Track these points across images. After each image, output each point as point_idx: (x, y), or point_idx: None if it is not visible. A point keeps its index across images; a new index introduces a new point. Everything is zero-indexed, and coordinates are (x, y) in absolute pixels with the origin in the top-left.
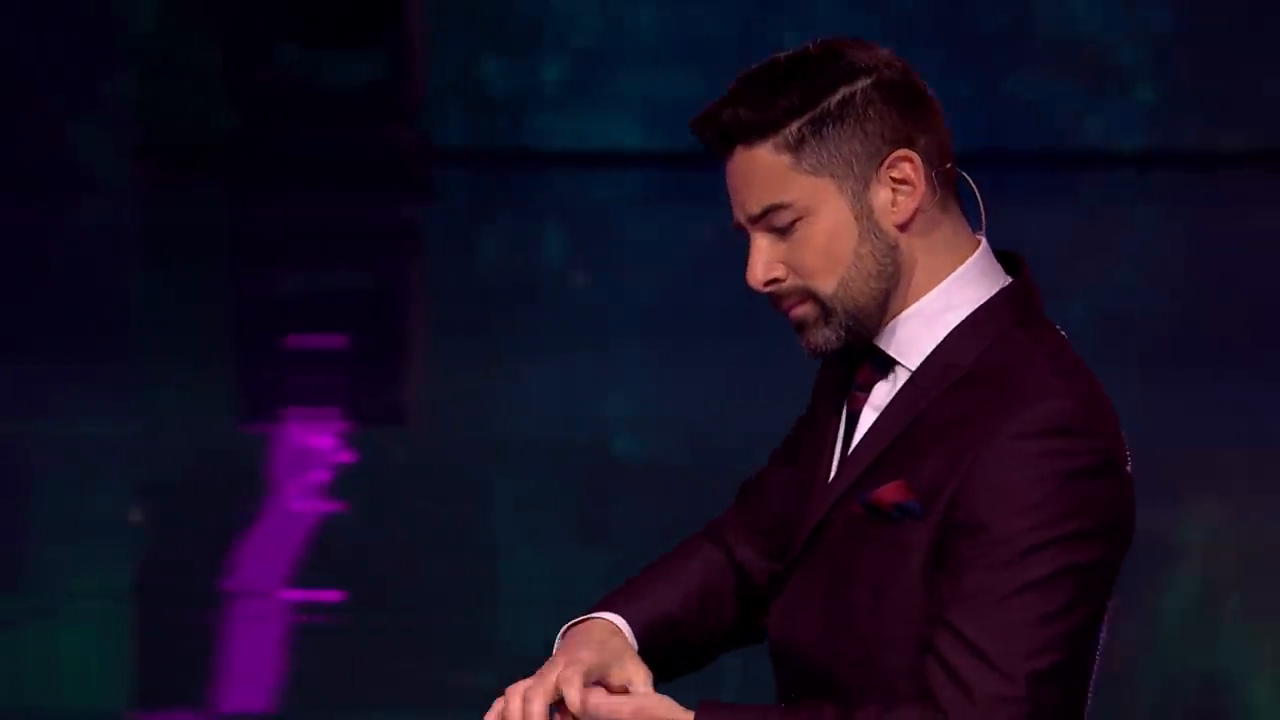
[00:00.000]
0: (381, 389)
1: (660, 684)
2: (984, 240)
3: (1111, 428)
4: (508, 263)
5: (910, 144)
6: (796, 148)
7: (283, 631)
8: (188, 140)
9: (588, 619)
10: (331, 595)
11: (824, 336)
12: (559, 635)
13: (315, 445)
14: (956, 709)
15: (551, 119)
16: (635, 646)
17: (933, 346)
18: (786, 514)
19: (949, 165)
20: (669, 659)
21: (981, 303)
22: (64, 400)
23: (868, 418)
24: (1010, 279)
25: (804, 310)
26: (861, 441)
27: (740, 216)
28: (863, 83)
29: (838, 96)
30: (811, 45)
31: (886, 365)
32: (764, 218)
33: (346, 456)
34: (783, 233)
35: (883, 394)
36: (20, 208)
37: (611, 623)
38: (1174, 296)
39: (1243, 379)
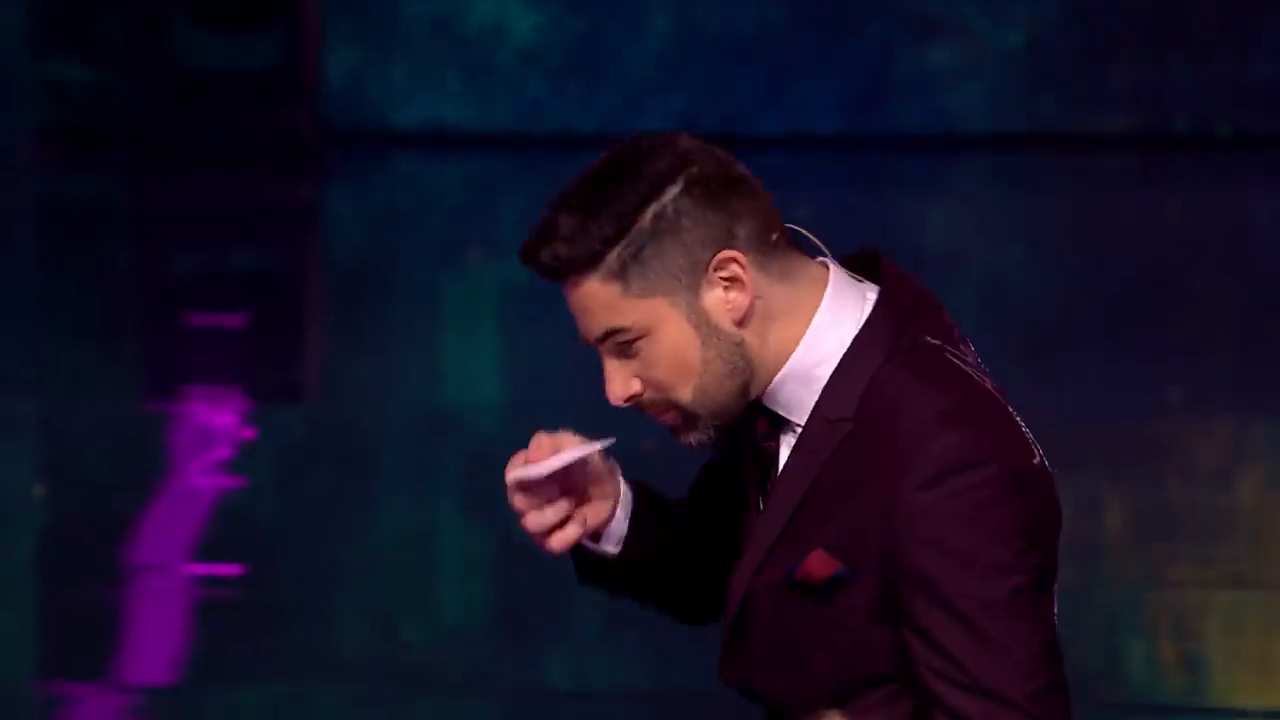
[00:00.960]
0: (280, 366)
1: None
2: (832, 267)
3: (1000, 437)
4: (400, 242)
5: (731, 240)
6: (621, 275)
7: (184, 605)
8: (87, 120)
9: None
10: (232, 569)
11: (695, 438)
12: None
13: (215, 422)
14: None
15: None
16: (628, 494)
17: (812, 403)
18: (722, 553)
19: (774, 235)
20: (646, 534)
21: (847, 345)
22: None
23: (775, 480)
24: (871, 295)
25: (669, 418)
26: (765, 510)
27: (586, 338)
28: (671, 192)
29: (649, 214)
30: (618, 153)
31: (780, 422)
32: (606, 340)
33: (246, 433)
34: (628, 353)
35: (783, 457)
36: None
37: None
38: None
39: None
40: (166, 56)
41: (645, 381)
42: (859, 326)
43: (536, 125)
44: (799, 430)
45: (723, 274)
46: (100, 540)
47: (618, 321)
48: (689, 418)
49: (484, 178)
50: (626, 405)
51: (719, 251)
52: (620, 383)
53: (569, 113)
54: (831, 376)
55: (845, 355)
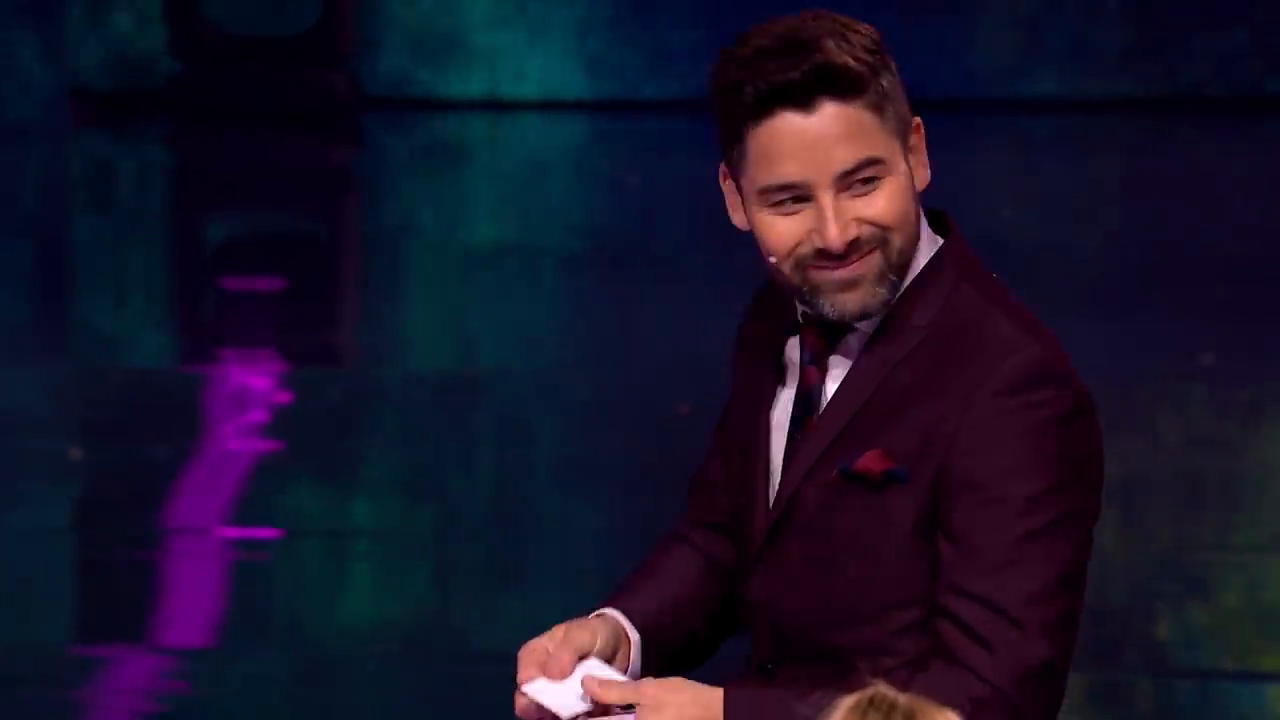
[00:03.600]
0: (316, 329)
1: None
2: None
3: (1070, 364)
4: (436, 206)
5: (913, 111)
6: (880, 107)
7: (220, 568)
8: (124, 84)
9: (598, 613)
10: (267, 532)
11: (878, 295)
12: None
13: (251, 385)
14: (980, 663)
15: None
16: (637, 638)
17: (886, 311)
18: (736, 499)
19: None
20: (672, 651)
21: (927, 262)
22: (4, 340)
23: (829, 389)
24: (937, 239)
25: (869, 264)
26: (825, 412)
27: (814, 175)
28: (884, 51)
29: (885, 61)
30: (816, 12)
31: (835, 335)
32: (854, 173)
33: (282, 396)
34: (859, 192)
35: (840, 366)
36: None
37: (615, 618)
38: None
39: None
40: (204, 21)
41: (868, 221)
42: (934, 249)
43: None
44: (854, 339)
45: (912, 141)
46: (136, 503)
47: (878, 152)
48: (886, 270)
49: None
50: (842, 249)
51: (914, 116)
52: (846, 222)
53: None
54: (910, 286)
55: (922, 272)
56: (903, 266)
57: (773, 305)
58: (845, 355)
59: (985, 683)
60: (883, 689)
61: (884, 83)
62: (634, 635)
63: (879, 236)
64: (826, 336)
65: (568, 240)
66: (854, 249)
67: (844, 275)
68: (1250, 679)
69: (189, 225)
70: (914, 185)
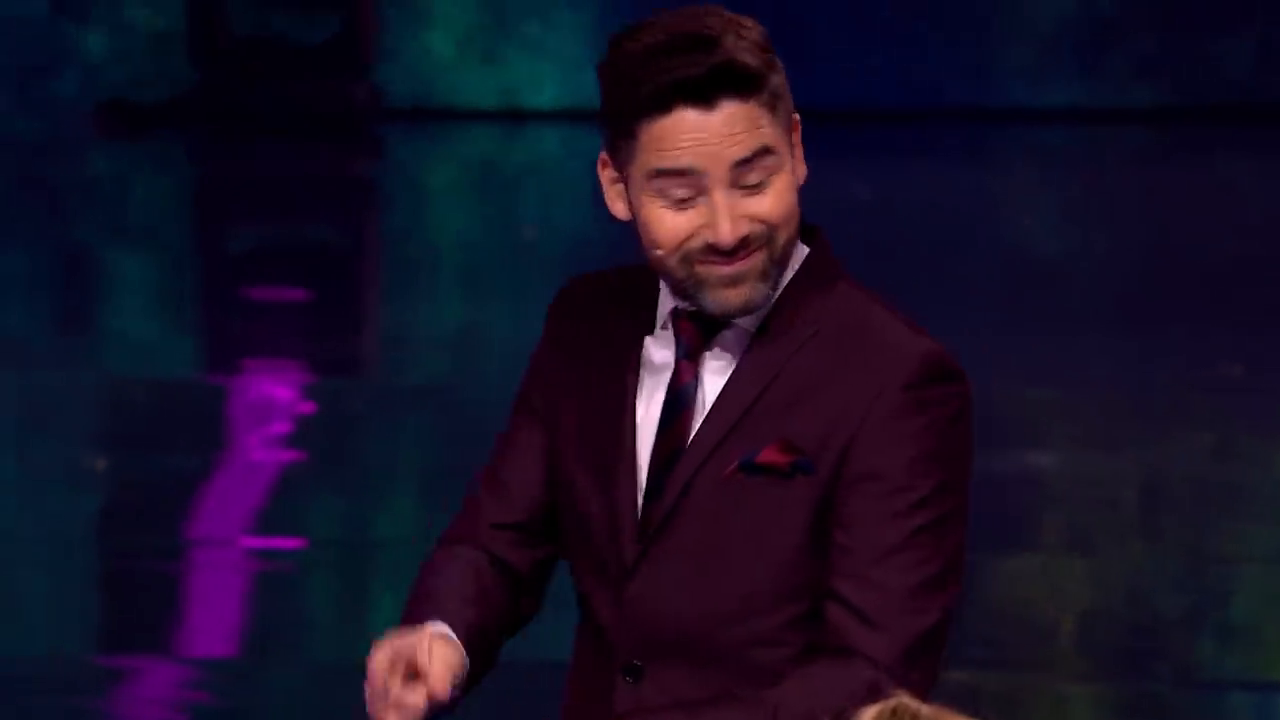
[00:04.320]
0: (339, 339)
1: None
2: None
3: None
4: (457, 215)
5: (795, 108)
6: (773, 104)
7: (243, 578)
8: (147, 94)
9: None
10: (291, 542)
11: (762, 291)
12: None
13: (274, 395)
14: (867, 643)
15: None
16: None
17: (767, 308)
18: (542, 509)
19: None
20: (481, 662)
21: (800, 263)
22: (27, 349)
23: (711, 382)
24: (805, 245)
25: (754, 260)
26: (716, 406)
27: (709, 165)
28: (773, 48)
29: (775, 59)
30: (695, 8)
31: (712, 332)
32: (749, 162)
33: (305, 406)
34: (750, 190)
35: (723, 360)
36: None
37: (448, 633)
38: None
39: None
40: (226, 32)
41: (758, 219)
42: (804, 254)
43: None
44: (742, 335)
45: (794, 138)
46: (160, 513)
47: (771, 141)
48: (769, 265)
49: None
50: (733, 244)
51: (795, 113)
52: (738, 217)
53: None
54: (792, 280)
55: (801, 268)
56: (783, 263)
57: (613, 304)
58: (722, 351)
59: (873, 663)
60: (905, 700)
61: (776, 80)
62: (464, 656)
63: (766, 234)
64: (704, 330)
65: (590, 250)
66: (743, 245)
67: (730, 271)
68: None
69: (212, 236)
70: (796, 183)
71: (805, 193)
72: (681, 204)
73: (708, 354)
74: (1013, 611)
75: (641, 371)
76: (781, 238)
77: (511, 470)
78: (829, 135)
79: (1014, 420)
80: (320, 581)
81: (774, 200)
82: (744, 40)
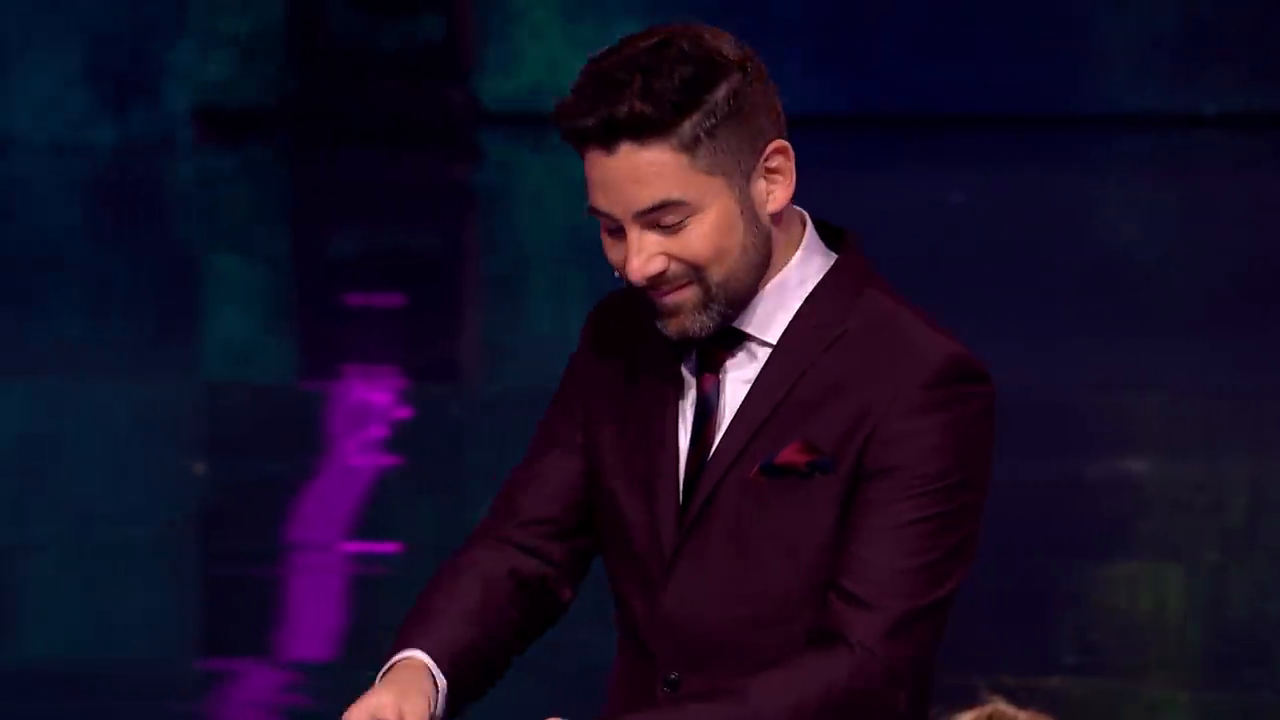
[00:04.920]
0: (436, 345)
1: (472, 703)
2: (801, 209)
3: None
4: (555, 221)
5: (779, 132)
6: (691, 148)
7: (341, 582)
8: (247, 100)
9: (406, 659)
10: (388, 547)
11: (700, 323)
12: (380, 673)
13: (372, 401)
14: (851, 620)
15: None
16: (443, 682)
17: (789, 318)
18: (579, 504)
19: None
20: (476, 681)
21: (827, 270)
22: (127, 355)
23: (734, 391)
24: (833, 253)
25: (684, 295)
26: (739, 414)
27: (617, 211)
28: (737, 76)
29: (721, 93)
30: (668, 33)
31: (735, 342)
32: (653, 212)
33: (402, 412)
34: (668, 228)
35: (747, 371)
36: (89, 167)
37: (424, 664)
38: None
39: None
40: (325, 39)
41: (675, 259)
42: (832, 261)
43: None
44: (759, 346)
45: (770, 164)
46: (259, 518)
47: (677, 194)
48: (706, 300)
49: None
50: (642, 284)
51: (771, 141)
52: (647, 258)
53: None
54: (815, 290)
55: (826, 276)
56: (735, 291)
57: (651, 317)
58: (745, 359)
59: (856, 643)
60: (1001, 706)
61: (699, 122)
62: (441, 680)
63: (688, 272)
64: (722, 343)
65: None
66: (662, 281)
67: (662, 303)
68: None
69: (310, 241)
70: (753, 213)
71: (894, 198)
72: (615, 233)
73: (730, 363)
74: (1109, 618)
75: (679, 383)
76: (714, 274)
77: (548, 465)
78: (926, 141)
79: (1109, 425)
80: (417, 585)
81: (693, 241)
82: (659, 81)
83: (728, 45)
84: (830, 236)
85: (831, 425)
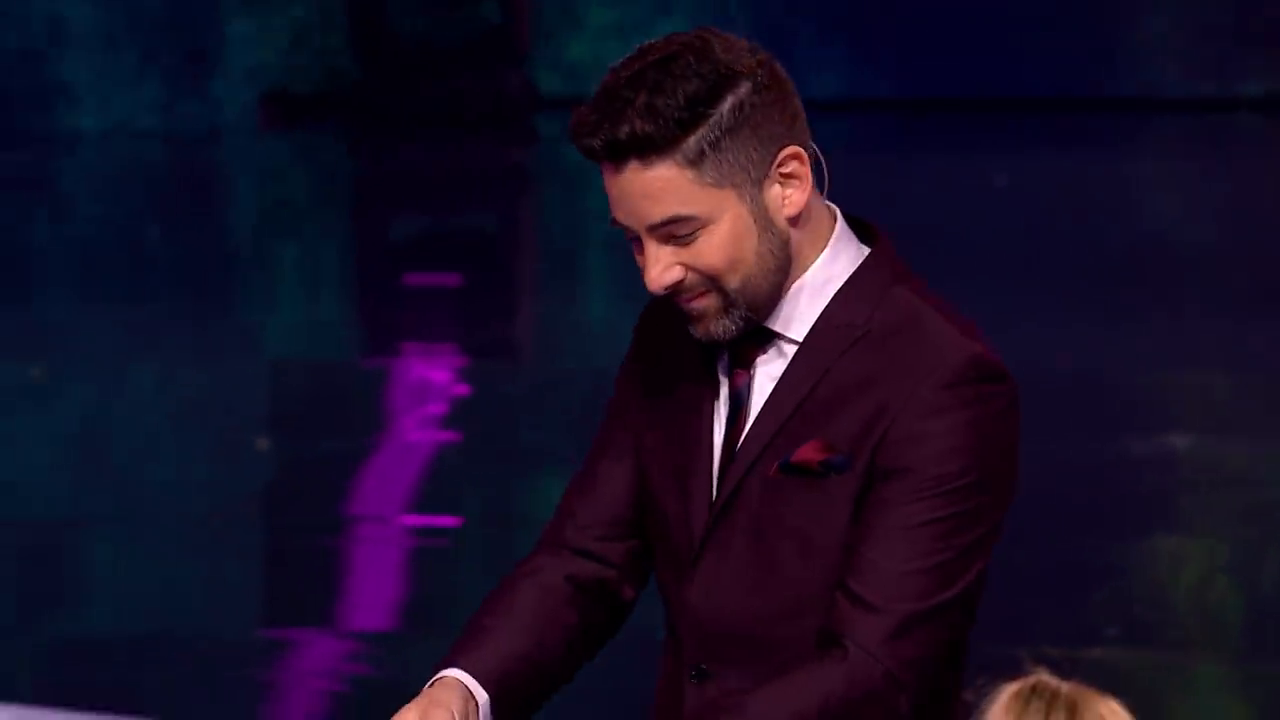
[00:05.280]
0: (493, 324)
1: (532, 712)
2: (833, 205)
3: (1008, 369)
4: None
5: (793, 138)
6: (697, 162)
7: (401, 554)
8: (312, 89)
9: (442, 677)
10: (447, 520)
11: (723, 326)
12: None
13: (431, 379)
14: (854, 622)
15: None
16: (484, 697)
17: (815, 316)
18: (631, 503)
19: (810, 141)
20: (531, 691)
21: (855, 268)
22: (193, 335)
23: (763, 387)
24: (863, 247)
25: (705, 303)
26: (764, 410)
27: (632, 224)
28: (745, 86)
29: (727, 105)
30: (679, 44)
31: (766, 339)
32: (664, 227)
33: (460, 389)
34: (682, 239)
35: (775, 367)
36: (162, 152)
37: (458, 682)
38: None
39: None
40: (386, 29)
41: (691, 269)
42: (862, 257)
43: None
44: (787, 343)
45: (784, 170)
46: (321, 492)
47: (684, 209)
48: (727, 304)
49: None
50: (662, 293)
51: (784, 147)
52: (661, 269)
53: None
54: (842, 289)
55: (854, 274)
56: (755, 296)
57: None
58: (774, 356)
59: (856, 646)
60: (1045, 678)
61: (703, 136)
62: (481, 695)
63: (704, 281)
64: (754, 340)
65: None
66: (681, 289)
67: (686, 308)
68: None
69: (371, 224)
70: (767, 220)
71: (941, 181)
72: (636, 243)
73: (761, 359)
74: (1150, 592)
75: (714, 380)
76: (731, 281)
77: (602, 470)
78: (971, 125)
79: (1151, 404)
80: (474, 557)
81: (706, 252)
82: (663, 100)
83: (739, 54)
84: (863, 231)
85: (850, 423)
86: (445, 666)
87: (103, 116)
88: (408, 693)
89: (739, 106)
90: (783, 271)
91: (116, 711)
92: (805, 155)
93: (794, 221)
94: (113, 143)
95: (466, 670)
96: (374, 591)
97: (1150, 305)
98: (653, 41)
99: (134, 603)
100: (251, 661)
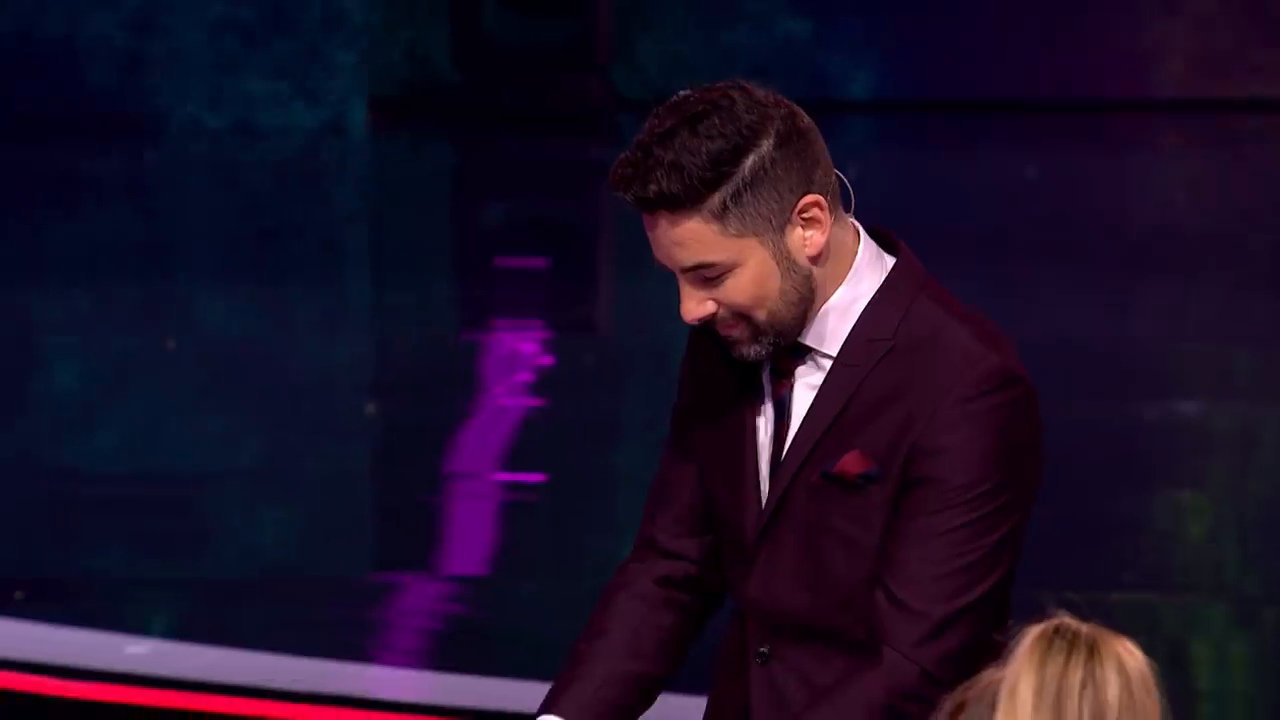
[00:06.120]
0: (576, 302)
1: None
2: (857, 223)
3: (1025, 371)
4: None
5: (811, 185)
6: (721, 217)
7: (494, 507)
8: (412, 90)
9: None
10: (534, 477)
11: (754, 350)
12: None
13: (520, 350)
14: (894, 626)
15: None
16: None
17: (847, 332)
18: (699, 501)
19: (832, 178)
20: (634, 703)
21: (880, 284)
22: (310, 310)
23: (802, 397)
24: (887, 258)
25: (736, 332)
26: (805, 421)
27: (668, 265)
28: (766, 144)
29: (749, 163)
30: (708, 103)
31: (803, 353)
32: (694, 271)
33: (546, 360)
34: (711, 281)
35: (813, 378)
36: (282, 147)
37: None
38: None
39: None
40: (483, 35)
41: (721, 304)
42: (887, 272)
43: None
44: (823, 358)
45: (804, 215)
46: (423, 451)
47: (710, 257)
48: (756, 334)
49: None
50: (697, 324)
51: (803, 195)
52: (695, 304)
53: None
54: (869, 305)
55: (880, 290)
56: (782, 325)
57: None
58: (813, 368)
59: (895, 652)
60: (1067, 620)
61: (726, 193)
62: None
63: (734, 315)
64: (791, 354)
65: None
66: (715, 321)
67: (721, 335)
68: None
69: (467, 212)
70: (790, 261)
71: (975, 176)
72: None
73: (800, 370)
74: (1166, 541)
75: (759, 390)
76: (758, 316)
77: (672, 474)
78: (1001, 125)
79: (1170, 372)
80: (558, 510)
81: (731, 293)
82: (689, 159)
83: (762, 110)
84: (885, 242)
85: (881, 435)
86: (546, 710)
87: (225, 114)
88: (501, 632)
89: (760, 163)
90: (805, 303)
91: (243, 647)
92: (824, 201)
93: (815, 260)
94: (233, 137)
95: (564, 715)
96: (469, 540)
97: (1167, 283)
98: (688, 92)
99: (258, 549)
100: (361, 602)
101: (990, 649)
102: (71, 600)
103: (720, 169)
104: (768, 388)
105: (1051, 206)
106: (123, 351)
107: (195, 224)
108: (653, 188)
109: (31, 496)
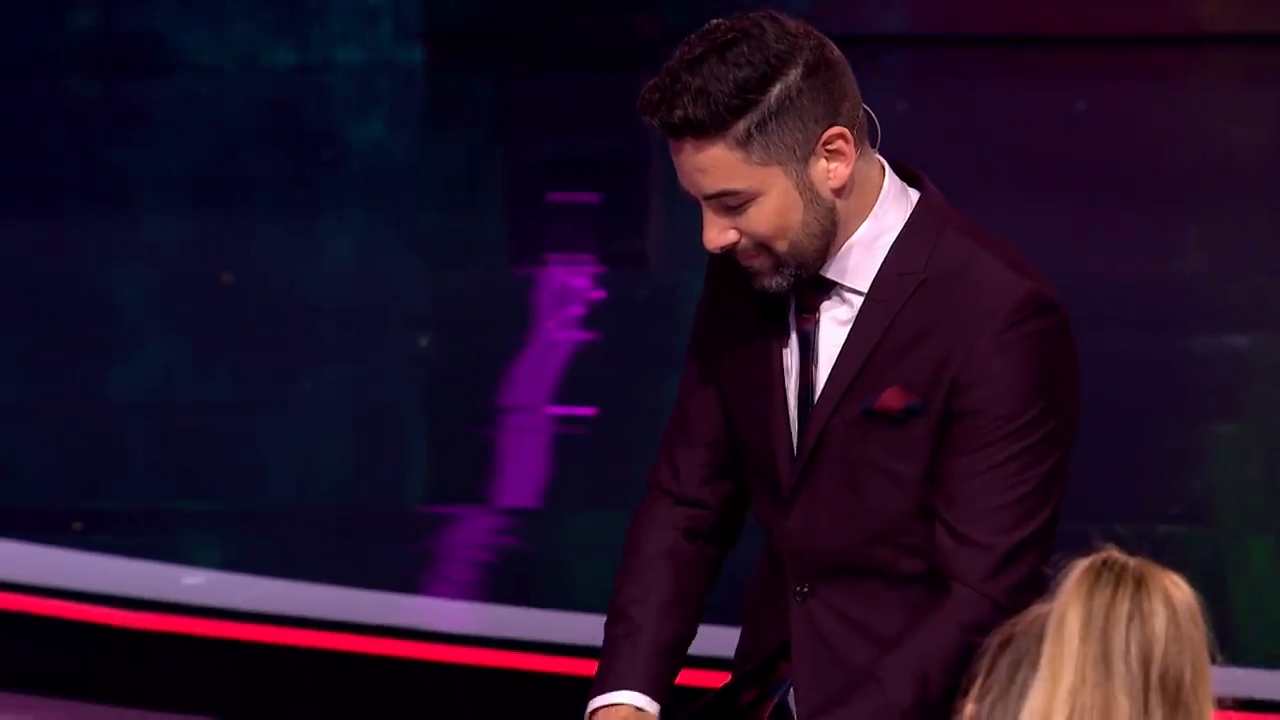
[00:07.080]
0: (626, 237)
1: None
2: (883, 159)
3: (1056, 295)
4: None
5: (837, 117)
6: (745, 144)
7: (546, 440)
8: (462, 27)
9: (612, 705)
10: (585, 410)
11: (776, 282)
12: (587, 714)
13: (572, 284)
14: (960, 561)
15: None
16: (655, 708)
17: (877, 266)
18: (722, 438)
19: (860, 113)
20: (678, 666)
21: (907, 217)
22: (365, 245)
23: (829, 332)
24: (912, 192)
25: (758, 262)
26: (841, 356)
27: (692, 192)
28: (793, 74)
29: (775, 92)
30: (738, 31)
31: (828, 287)
32: (717, 198)
33: (597, 293)
34: (734, 209)
35: (840, 313)
36: (330, 86)
37: (634, 708)
38: None
39: None
40: None
41: (743, 233)
42: (912, 207)
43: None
44: (849, 293)
45: (829, 147)
46: (475, 385)
47: (733, 185)
48: (777, 265)
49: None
50: (719, 253)
51: (829, 128)
52: (718, 232)
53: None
54: (898, 240)
55: (907, 224)
56: (803, 257)
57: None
58: (837, 304)
59: (965, 587)
60: (1114, 553)
61: (751, 120)
62: (653, 708)
63: (755, 244)
64: (815, 287)
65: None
66: (736, 251)
67: (742, 265)
68: None
69: (518, 148)
70: (812, 192)
71: (1021, 109)
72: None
73: (825, 305)
74: (1211, 474)
75: (783, 325)
76: (779, 246)
77: (692, 411)
78: (1046, 60)
79: (1217, 304)
80: (608, 443)
81: (753, 221)
82: (715, 86)
83: (792, 40)
84: (909, 177)
85: (919, 369)
86: (608, 688)
87: (281, 50)
88: (552, 563)
89: (786, 92)
90: (828, 235)
91: (297, 578)
92: (850, 134)
93: (839, 192)
94: (289, 74)
95: (632, 688)
96: (521, 472)
97: (1208, 216)
98: (720, 21)
99: (311, 480)
100: (416, 533)
101: (1039, 581)
102: (128, 532)
103: (746, 96)
104: (792, 322)
105: (1098, 140)
106: (178, 283)
107: (249, 159)
108: (678, 113)
109: (89, 429)
